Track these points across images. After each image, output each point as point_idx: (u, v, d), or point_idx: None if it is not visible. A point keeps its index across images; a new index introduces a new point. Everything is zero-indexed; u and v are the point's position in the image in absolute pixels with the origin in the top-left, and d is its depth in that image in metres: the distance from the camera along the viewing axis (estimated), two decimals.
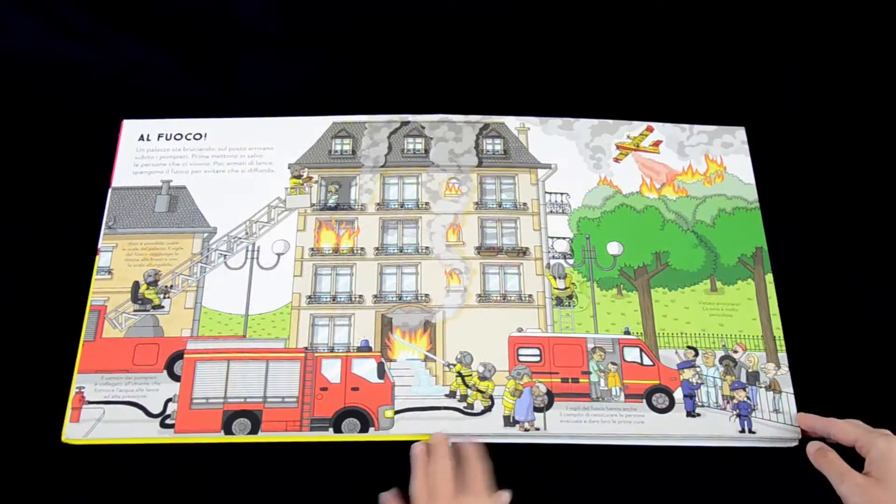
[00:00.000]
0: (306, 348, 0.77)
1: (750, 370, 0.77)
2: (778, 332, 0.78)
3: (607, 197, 0.85)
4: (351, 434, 0.73)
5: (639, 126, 0.88)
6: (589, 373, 0.76)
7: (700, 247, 0.83)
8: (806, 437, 0.73)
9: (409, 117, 0.88)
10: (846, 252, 0.85)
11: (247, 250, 0.81)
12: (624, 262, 0.82)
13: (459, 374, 0.75)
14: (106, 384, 0.74)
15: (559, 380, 0.75)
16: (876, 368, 0.79)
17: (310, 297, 0.79)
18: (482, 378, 0.75)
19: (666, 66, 0.95)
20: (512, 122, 0.88)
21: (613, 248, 0.82)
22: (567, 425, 0.73)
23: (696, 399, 0.75)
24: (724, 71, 0.95)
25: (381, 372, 0.76)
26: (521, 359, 0.76)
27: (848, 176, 0.89)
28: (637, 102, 0.92)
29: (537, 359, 0.76)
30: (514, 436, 0.73)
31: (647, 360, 0.77)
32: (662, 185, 0.86)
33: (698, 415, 0.74)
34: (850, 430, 0.68)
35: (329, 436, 0.72)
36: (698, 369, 0.77)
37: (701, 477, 0.74)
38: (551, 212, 0.84)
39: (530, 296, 0.80)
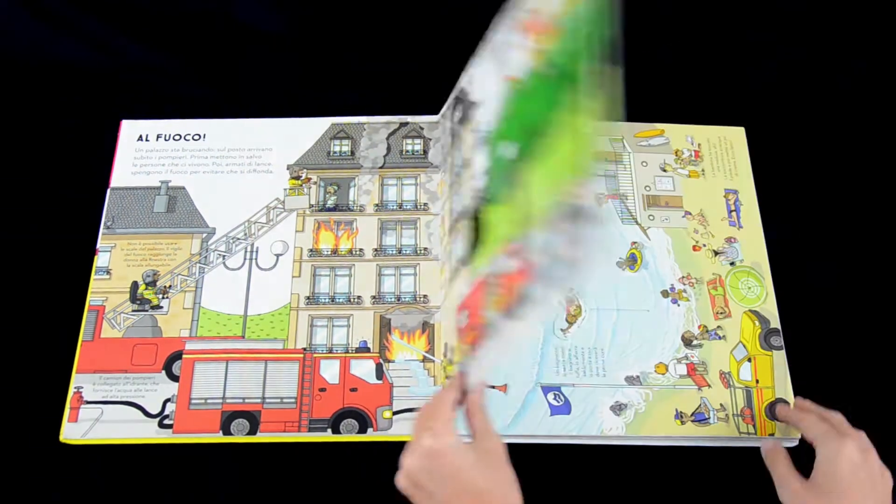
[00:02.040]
0: (305, 349, 0.77)
1: None
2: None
3: None
4: (349, 435, 0.72)
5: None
6: None
7: None
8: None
9: (408, 118, 0.88)
10: (846, 251, 0.85)
11: (245, 251, 0.81)
12: None
13: None
14: (104, 384, 0.74)
15: None
16: (875, 368, 0.79)
17: (308, 297, 0.79)
18: None
19: (665, 66, 0.95)
20: None
21: None
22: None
23: None
24: (724, 71, 0.95)
25: (380, 373, 0.76)
26: None
27: (847, 175, 0.89)
28: (636, 102, 0.92)
29: None
30: (512, 436, 0.73)
31: None
32: None
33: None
34: (813, 427, 0.66)
35: (328, 436, 0.72)
36: None
37: (701, 477, 0.73)
38: None
39: None
